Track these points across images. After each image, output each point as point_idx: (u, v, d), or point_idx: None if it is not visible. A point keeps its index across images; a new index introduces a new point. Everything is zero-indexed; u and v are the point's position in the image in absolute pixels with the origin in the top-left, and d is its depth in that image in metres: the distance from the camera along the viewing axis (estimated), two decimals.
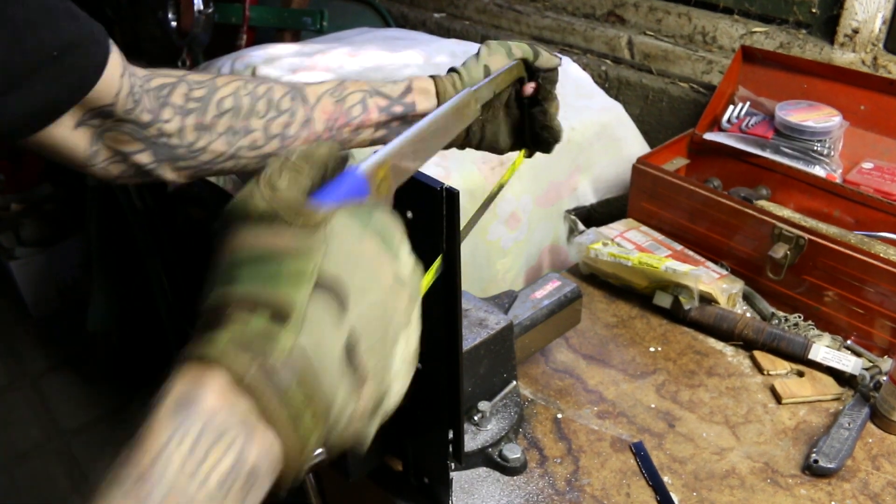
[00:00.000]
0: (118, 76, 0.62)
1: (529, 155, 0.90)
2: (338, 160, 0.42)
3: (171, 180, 0.71)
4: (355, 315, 0.37)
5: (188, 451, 0.33)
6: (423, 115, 0.68)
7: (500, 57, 0.81)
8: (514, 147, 0.89)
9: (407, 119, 0.78)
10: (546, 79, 0.85)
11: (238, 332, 0.35)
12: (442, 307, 0.63)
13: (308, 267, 0.36)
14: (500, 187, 0.85)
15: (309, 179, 0.39)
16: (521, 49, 0.83)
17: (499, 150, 0.88)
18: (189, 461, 0.33)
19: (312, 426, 0.36)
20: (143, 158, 0.68)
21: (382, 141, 0.79)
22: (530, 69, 0.84)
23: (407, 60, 1.44)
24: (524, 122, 0.87)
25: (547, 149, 0.90)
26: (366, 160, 0.46)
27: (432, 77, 0.80)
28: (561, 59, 0.88)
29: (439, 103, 0.79)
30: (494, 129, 0.85)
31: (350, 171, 0.43)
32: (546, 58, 0.84)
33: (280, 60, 1.40)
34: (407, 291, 0.41)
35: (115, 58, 0.63)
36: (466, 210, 1.18)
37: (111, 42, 0.63)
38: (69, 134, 0.63)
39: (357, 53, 1.47)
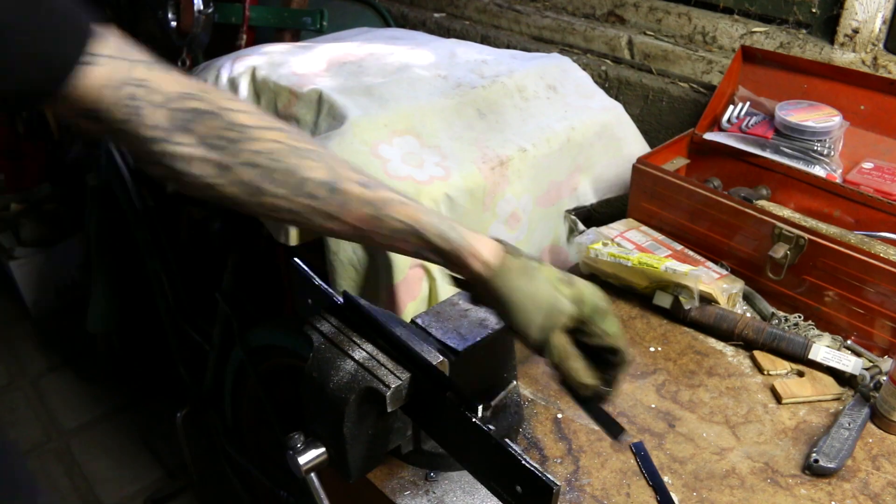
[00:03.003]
0: (98, 85, 0.60)
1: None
2: None
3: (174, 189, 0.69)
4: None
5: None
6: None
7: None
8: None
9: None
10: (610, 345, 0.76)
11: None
12: None
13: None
14: None
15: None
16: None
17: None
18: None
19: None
20: (147, 168, 0.65)
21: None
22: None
23: (409, 59, 1.44)
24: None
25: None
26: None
27: (502, 243, 0.74)
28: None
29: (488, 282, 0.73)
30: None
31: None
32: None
33: (280, 60, 1.40)
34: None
35: (101, 71, 0.60)
36: (467, 210, 1.19)
37: (101, 52, 0.60)
38: (76, 121, 0.62)
39: (355, 48, 1.47)
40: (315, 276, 0.82)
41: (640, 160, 1.27)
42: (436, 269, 1.15)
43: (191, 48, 1.88)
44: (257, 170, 0.65)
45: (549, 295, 0.71)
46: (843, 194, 1.20)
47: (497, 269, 0.71)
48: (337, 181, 0.67)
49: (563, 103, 1.41)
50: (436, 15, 2.04)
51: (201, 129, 0.63)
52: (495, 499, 0.71)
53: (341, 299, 0.80)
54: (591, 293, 0.74)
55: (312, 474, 0.78)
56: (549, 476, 0.60)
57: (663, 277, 1.11)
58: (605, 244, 1.22)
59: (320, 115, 1.25)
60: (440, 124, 1.26)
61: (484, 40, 1.88)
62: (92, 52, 0.60)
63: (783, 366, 1.03)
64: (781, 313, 1.12)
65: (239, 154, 0.64)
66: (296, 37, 1.91)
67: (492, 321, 0.86)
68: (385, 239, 0.70)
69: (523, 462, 0.61)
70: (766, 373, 1.03)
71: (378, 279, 1.13)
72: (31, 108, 0.60)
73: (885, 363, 1.01)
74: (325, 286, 0.82)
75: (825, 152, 1.24)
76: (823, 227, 1.15)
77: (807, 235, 1.07)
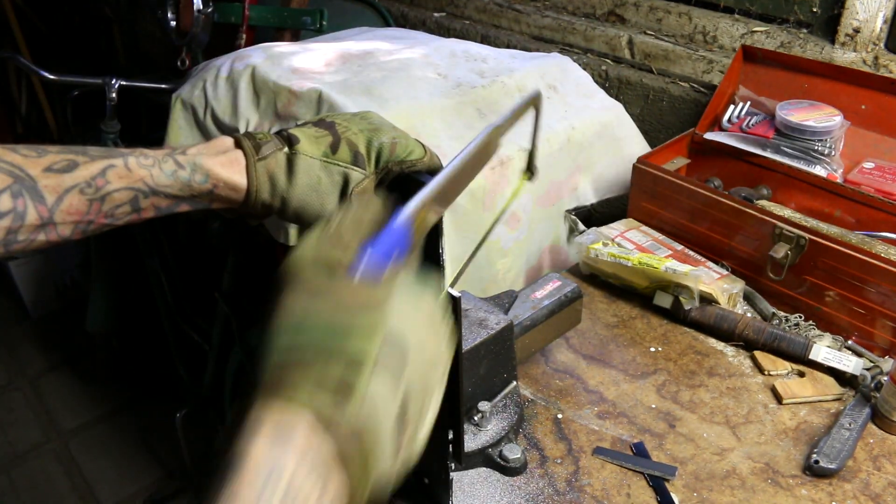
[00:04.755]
0: None
1: (530, 178, 0.85)
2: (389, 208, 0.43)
3: None
4: (411, 370, 0.39)
5: (286, 486, 0.36)
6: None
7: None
8: None
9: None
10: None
11: (320, 379, 0.37)
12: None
13: (380, 320, 0.38)
14: (503, 213, 0.83)
15: (369, 231, 0.41)
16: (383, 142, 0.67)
17: None
18: (286, 498, 0.36)
19: (374, 468, 0.38)
20: None
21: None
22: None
23: (408, 56, 1.44)
24: None
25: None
26: (405, 208, 0.46)
27: (240, 143, 0.63)
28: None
29: (249, 195, 0.63)
30: None
31: (395, 220, 0.44)
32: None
33: (280, 59, 1.40)
34: (449, 353, 0.43)
35: None
36: (467, 210, 1.19)
37: None
38: None
39: (352, 47, 1.47)
40: None
41: (641, 160, 1.27)
42: None
43: (190, 48, 1.88)
44: None
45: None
46: (844, 194, 1.20)
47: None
48: (24, 179, 0.54)
49: (563, 103, 1.41)
50: (436, 15, 2.04)
51: None
52: (495, 500, 0.71)
53: None
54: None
55: None
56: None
57: (663, 277, 1.11)
58: (605, 244, 1.21)
59: (320, 114, 1.25)
60: (440, 124, 1.26)
61: (484, 40, 1.88)
62: None
63: (784, 366, 1.03)
64: (782, 313, 1.12)
65: None
66: (296, 36, 1.91)
67: (492, 321, 0.86)
68: (124, 218, 0.59)
69: None
70: (766, 373, 1.02)
71: None
72: None
73: (886, 363, 1.01)
74: None
75: (826, 152, 1.24)
76: (824, 227, 1.15)
77: (807, 235, 1.07)
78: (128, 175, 0.58)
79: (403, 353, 0.39)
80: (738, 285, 1.15)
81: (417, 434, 0.42)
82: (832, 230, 1.13)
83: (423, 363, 0.40)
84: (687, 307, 1.10)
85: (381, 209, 0.44)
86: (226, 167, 0.61)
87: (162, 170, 0.59)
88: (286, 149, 0.63)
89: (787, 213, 1.20)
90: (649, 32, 1.63)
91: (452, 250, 1.19)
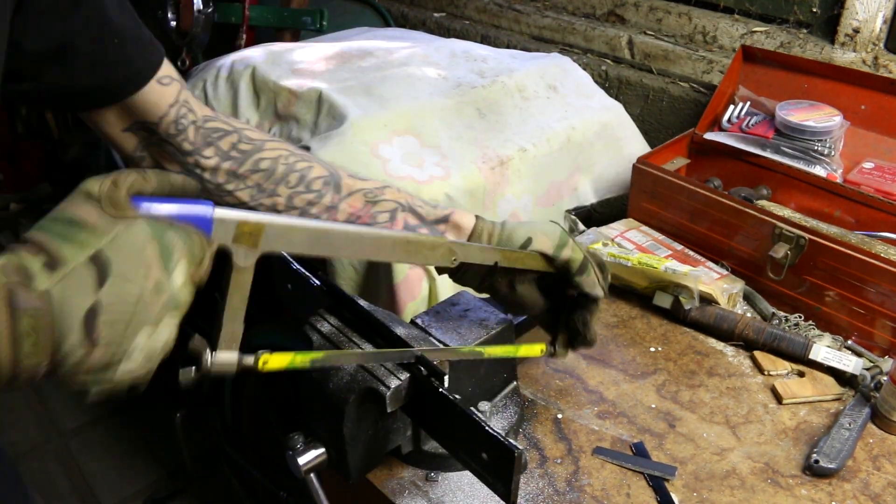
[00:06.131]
0: (166, 104, 0.73)
1: (551, 354, 0.90)
2: (195, 191, 0.55)
3: None
4: (107, 292, 0.48)
5: None
6: None
7: (545, 239, 0.81)
8: (544, 319, 0.91)
9: None
10: (581, 291, 0.84)
11: (12, 262, 0.46)
12: None
13: (92, 241, 0.48)
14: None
15: (150, 188, 0.52)
16: (554, 244, 0.81)
17: (526, 312, 0.91)
18: None
19: (31, 352, 0.46)
20: None
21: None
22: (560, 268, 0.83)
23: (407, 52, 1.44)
24: (564, 314, 0.88)
25: (573, 347, 0.91)
26: (234, 210, 0.56)
27: (478, 217, 0.83)
28: (601, 286, 0.85)
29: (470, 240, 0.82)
30: (524, 294, 0.85)
31: (203, 203, 0.55)
32: (569, 260, 0.82)
33: (280, 59, 1.40)
34: (163, 299, 0.51)
35: (169, 90, 0.73)
36: (467, 210, 1.19)
37: (170, 75, 0.73)
38: (119, 134, 0.74)
39: (351, 46, 1.47)
40: (293, 262, 0.84)
41: (641, 160, 1.27)
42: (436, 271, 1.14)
43: (190, 48, 1.88)
44: (262, 173, 0.77)
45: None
46: (844, 194, 1.20)
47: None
48: (334, 175, 0.79)
49: (563, 103, 1.41)
50: (436, 15, 2.04)
51: (223, 144, 0.77)
52: (495, 500, 0.71)
53: (318, 282, 0.82)
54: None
55: (312, 475, 0.78)
56: (511, 441, 0.61)
57: (663, 277, 1.11)
58: (605, 244, 1.21)
59: (320, 114, 1.25)
60: (440, 124, 1.26)
61: (484, 40, 1.88)
62: (163, 73, 0.72)
63: (783, 366, 1.03)
64: (782, 313, 1.12)
65: (246, 162, 0.77)
66: (296, 37, 1.91)
67: (492, 321, 0.86)
68: (381, 224, 0.80)
69: (487, 429, 0.63)
70: (766, 373, 1.03)
71: (378, 279, 1.13)
72: (95, 107, 0.72)
73: (886, 363, 1.01)
74: (303, 270, 0.83)
75: (826, 152, 1.24)
76: (824, 227, 1.15)
77: (807, 235, 1.07)
78: (397, 194, 0.81)
79: (103, 274, 0.48)
80: (738, 285, 1.15)
81: (116, 358, 0.50)
82: (832, 230, 1.13)
83: (125, 293, 0.49)
84: (687, 307, 1.10)
85: (193, 189, 0.56)
86: (462, 214, 0.83)
87: (422, 198, 0.82)
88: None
89: (786, 213, 1.20)
90: (649, 32, 1.63)
91: None
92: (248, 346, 0.67)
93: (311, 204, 0.78)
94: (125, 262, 0.49)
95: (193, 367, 0.58)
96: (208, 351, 0.59)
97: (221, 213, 0.55)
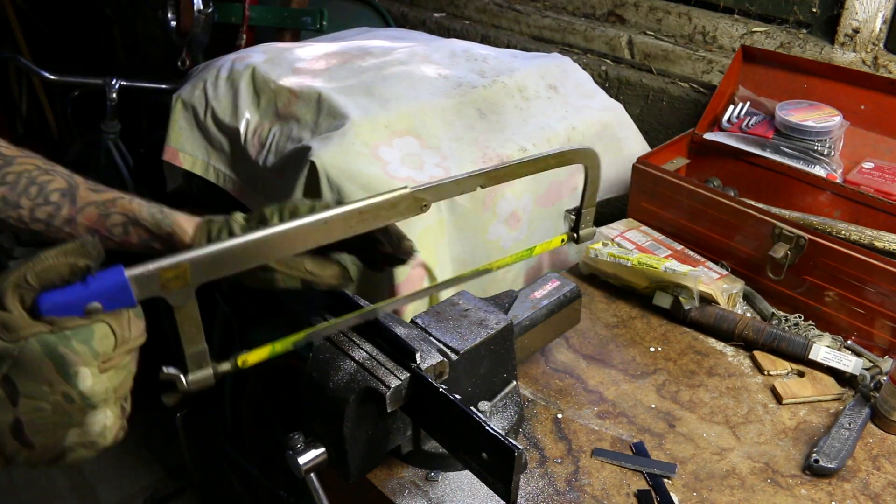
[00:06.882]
0: None
1: (573, 240, 0.89)
2: (95, 256, 0.55)
3: None
4: (22, 410, 0.51)
5: None
6: None
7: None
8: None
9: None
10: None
11: None
12: None
13: (1, 366, 0.51)
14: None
15: (37, 292, 0.53)
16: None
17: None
18: None
19: None
20: None
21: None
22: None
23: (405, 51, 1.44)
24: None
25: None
26: (149, 262, 0.55)
27: (209, 219, 0.80)
28: None
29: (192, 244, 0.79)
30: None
31: (111, 270, 0.54)
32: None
33: (280, 59, 1.40)
34: (77, 405, 0.53)
35: None
36: (467, 209, 1.19)
37: None
38: None
39: (350, 45, 1.47)
40: None
41: (640, 160, 1.27)
42: (436, 270, 1.14)
43: (190, 48, 1.89)
44: (7, 186, 0.76)
45: None
46: (844, 194, 1.20)
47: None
48: (72, 187, 0.78)
49: (563, 103, 1.41)
50: (436, 15, 2.04)
51: None
52: (495, 500, 0.72)
53: None
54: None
55: (312, 474, 0.78)
56: (511, 441, 0.61)
57: (663, 277, 1.11)
58: (605, 244, 1.22)
59: (320, 114, 1.25)
60: (440, 124, 1.26)
61: (484, 40, 1.88)
62: None
63: (783, 366, 1.03)
64: (781, 313, 1.12)
65: None
66: (296, 37, 1.91)
67: (492, 321, 0.86)
68: (118, 237, 0.79)
69: (487, 428, 0.63)
70: (766, 373, 1.03)
71: (379, 279, 1.13)
72: None
73: (886, 363, 1.01)
74: None
75: (825, 152, 1.24)
76: (831, 222, 1.15)
77: (807, 235, 1.07)
78: (128, 206, 0.79)
79: (14, 395, 0.51)
80: (738, 285, 1.15)
81: (58, 451, 0.54)
82: (839, 225, 1.13)
83: (38, 408, 0.52)
84: (686, 307, 1.10)
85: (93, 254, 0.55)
86: (186, 219, 0.79)
87: (149, 210, 0.79)
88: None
89: (786, 213, 1.20)
90: (649, 33, 1.63)
91: (453, 249, 1.19)
92: (247, 346, 0.67)
93: (52, 216, 0.77)
94: (28, 384, 0.52)
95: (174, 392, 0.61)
96: (181, 376, 0.61)
97: (136, 270, 0.55)
